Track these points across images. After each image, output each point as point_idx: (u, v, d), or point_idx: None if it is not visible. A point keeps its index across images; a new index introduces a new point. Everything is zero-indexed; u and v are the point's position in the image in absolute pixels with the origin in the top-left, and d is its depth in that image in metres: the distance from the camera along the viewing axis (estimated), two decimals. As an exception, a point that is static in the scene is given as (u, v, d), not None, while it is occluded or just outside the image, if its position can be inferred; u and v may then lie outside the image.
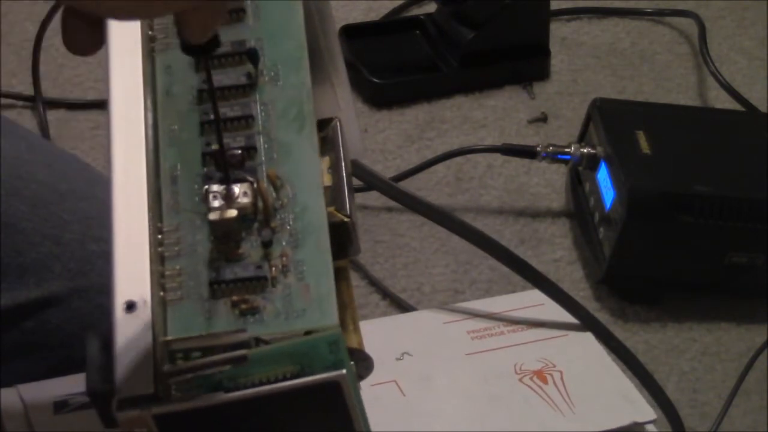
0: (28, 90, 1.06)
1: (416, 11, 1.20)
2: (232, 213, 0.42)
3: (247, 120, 0.44)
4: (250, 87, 0.45)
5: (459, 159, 1.02)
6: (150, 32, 0.46)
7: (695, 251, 0.91)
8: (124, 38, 0.46)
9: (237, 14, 0.46)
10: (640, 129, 0.94)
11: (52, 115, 1.05)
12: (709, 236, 0.90)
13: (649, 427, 0.63)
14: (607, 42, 1.20)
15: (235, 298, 0.41)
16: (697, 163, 0.92)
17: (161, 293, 0.41)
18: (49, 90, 1.06)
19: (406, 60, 1.14)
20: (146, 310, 0.40)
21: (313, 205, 0.43)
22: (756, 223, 0.89)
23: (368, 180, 0.77)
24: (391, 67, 1.12)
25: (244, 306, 0.41)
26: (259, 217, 0.43)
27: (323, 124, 0.51)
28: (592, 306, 0.92)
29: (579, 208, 0.98)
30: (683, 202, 0.89)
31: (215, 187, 0.43)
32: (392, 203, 0.99)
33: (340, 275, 0.53)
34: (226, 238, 0.42)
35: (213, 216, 0.42)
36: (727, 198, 0.89)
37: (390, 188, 0.78)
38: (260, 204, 0.43)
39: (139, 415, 0.39)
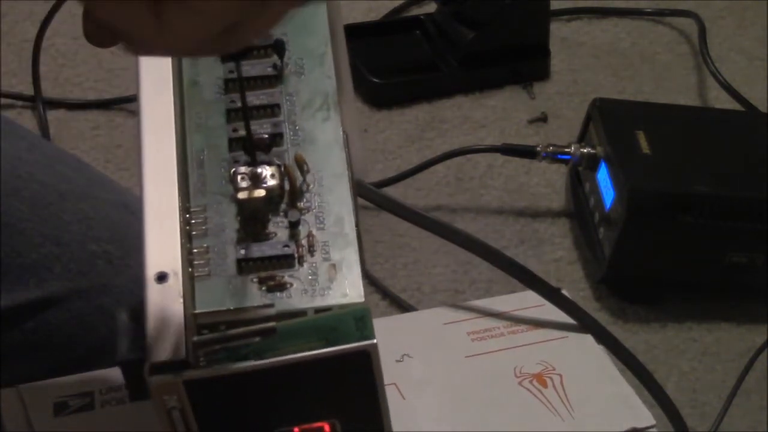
0: (28, 90, 1.06)
1: (416, 11, 1.20)
2: (261, 192, 0.43)
3: (273, 109, 0.45)
4: (276, 78, 0.46)
5: (459, 159, 1.02)
6: None
7: (695, 251, 0.91)
8: None
9: None
10: (640, 129, 0.94)
11: (52, 115, 1.05)
12: (709, 236, 0.90)
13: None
14: (607, 42, 1.20)
15: (262, 274, 0.42)
16: (697, 163, 0.92)
17: (189, 269, 0.42)
18: (49, 90, 1.06)
19: (406, 60, 1.14)
20: (177, 280, 0.41)
21: (339, 189, 0.44)
22: (756, 223, 0.90)
23: (373, 200, 0.78)
24: (391, 67, 1.12)
25: (271, 283, 0.41)
26: (286, 199, 0.43)
27: None
28: (592, 306, 0.92)
29: (579, 208, 0.98)
30: (683, 202, 0.89)
31: (243, 169, 0.43)
32: (392, 203, 0.99)
33: None
34: (253, 218, 0.43)
35: (242, 195, 0.42)
36: (727, 198, 0.89)
37: (395, 206, 0.78)
38: (287, 187, 0.43)
39: (171, 380, 0.40)
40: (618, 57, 1.18)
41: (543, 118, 1.10)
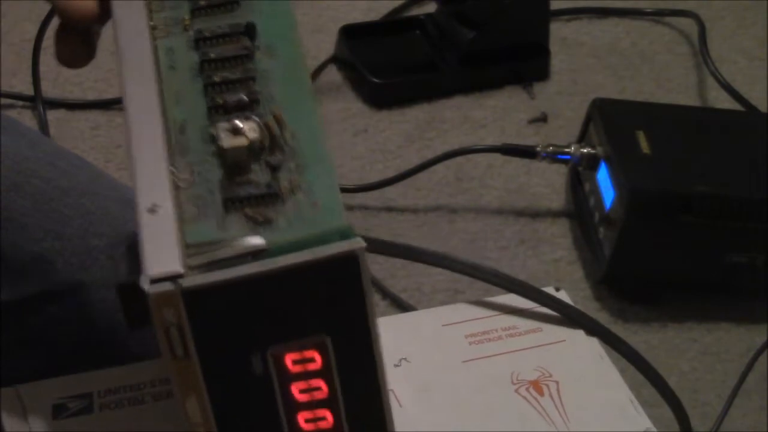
0: (28, 90, 1.06)
1: (416, 11, 1.20)
2: (243, 141, 0.44)
3: (248, 82, 0.47)
4: (248, 57, 0.47)
5: (459, 159, 1.02)
6: (150, 23, 0.49)
7: (695, 251, 0.91)
8: (132, 21, 0.50)
9: (231, 6, 0.50)
10: (640, 129, 0.94)
11: (52, 115, 1.05)
12: (709, 236, 0.90)
13: None
14: (607, 42, 1.20)
15: (248, 212, 0.43)
16: (697, 163, 0.92)
17: (179, 210, 0.43)
18: (49, 90, 1.06)
19: (406, 60, 1.14)
20: (168, 211, 0.42)
21: (317, 139, 0.45)
22: (756, 223, 0.90)
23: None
24: (391, 67, 1.12)
25: (258, 218, 0.43)
26: (267, 152, 0.45)
27: None
28: (592, 306, 0.92)
29: (579, 208, 0.98)
30: (683, 201, 0.89)
31: (224, 125, 0.45)
32: (392, 203, 0.99)
33: None
34: (236, 167, 0.44)
35: (225, 143, 0.44)
36: (727, 198, 0.89)
37: (387, 246, 0.81)
38: (267, 142, 0.45)
39: (170, 291, 0.40)
40: (618, 57, 1.18)
41: (543, 118, 1.10)
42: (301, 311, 0.42)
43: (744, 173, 0.92)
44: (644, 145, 0.92)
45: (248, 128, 0.44)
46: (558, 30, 1.19)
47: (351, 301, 0.43)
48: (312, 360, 0.44)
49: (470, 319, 0.68)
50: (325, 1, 1.20)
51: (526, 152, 0.98)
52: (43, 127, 1.03)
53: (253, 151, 0.44)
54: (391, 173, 1.00)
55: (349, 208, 0.98)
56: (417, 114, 1.08)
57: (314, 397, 0.44)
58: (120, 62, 0.48)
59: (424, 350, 0.65)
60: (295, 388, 0.44)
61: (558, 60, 1.16)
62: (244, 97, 0.46)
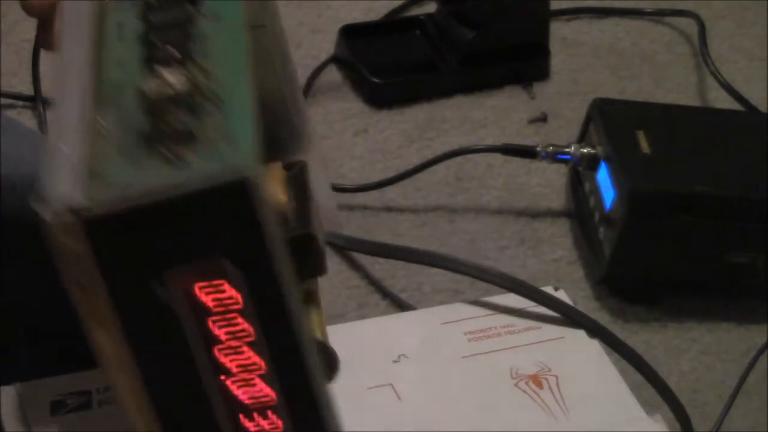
0: (28, 90, 1.06)
1: (416, 11, 1.20)
2: (167, 90, 0.45)
3: (185, 42, 0.48)
4: (189, 22, 0.49)
5: (459, 159, 1.02)
6: None
7: (695, 251, 0.91)
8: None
9: None
10: (640, 129, 0.94)
11: (52, 116, 1.05)
12: (709, 236, 0.90)
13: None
14: (607, 42, 1.20)
15: (163, 150, 0.44)
16: (697, 163, 0.92)
17: (95, 151, 0.44)
18: (49, 90, 1.06)
19: (406, 60, 1.14)
20: (81, 149, 0.43)
21: (244, 91, 0.47)
22: (756, 223, 0.89)
23: (345, 246, 0.81)
24: (391, 67, 1.12)
25: (170, 156, 0.44)
26: (193, 101, 0.46)
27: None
28: (592, 306, 0.92)
29: (579, 208, 0.98)
30: (683, 202, 0.89)
31: (152, 77, 0.46)
32: (392, 203, 0.99)
33: (310, 300, 0.56)
34: (160, 115, 0.45)
35: (149, 92, 0.45)
36: (727, 198, 0.89)
37: (367, 246, 0.81)
38: (193, 92, 0.46)
39: (72, 220, 0.41)
40: (618, 57, 1.18)
41: (543, 118, 1.10)
42: (200, 238, 0.43)
43: (744, 173, 0.92)
44: (644, 145, 0.92)
45: (174, 79, 0.45)
46: (558, 30, 1.19)
47: (248, 227, 0.43)
48: (222, 290, 0.44)
49: (469, 317, 0.69)
50: (325, 1, 1.20)
51: (526, 152, 0.97)
52: (43, 127, 1.03)
53: (178, 100, 0.45)
54: (391, 173, 1.00)
55: (350, 208, 0.98)
56: (417, 114, 1.08)
57: (231, 331, 0.45)
58: (62, 30, 0.50)
59: (423, 347, 0.66)
60: (211, 322, 0.45)
61: (558, 60, 1.16)
62: (177, 54, 0.47)
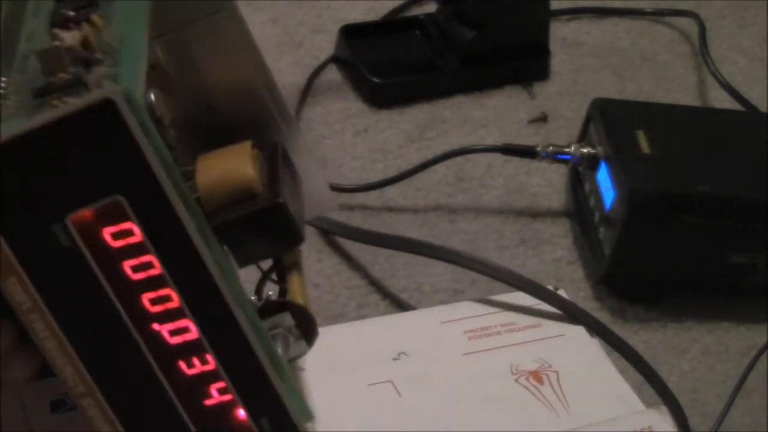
0: None
1: (416, 11, 1.20)
2: (60, 45, 0.46)
3: (90, 6, 0.50)
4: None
5: (459, 159, 1.02)
6: None
7: (695, 251, 0.91)
8: None
9: None
10: (640, 129, 0.94)
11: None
12: (709, 236, 0.90)
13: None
14: (607, 42, 1.20)
15: (55, 102, 0.45)
16: (697, 163, 0.92)
17: None
18: None
19: (406, 60, 1.14)
20: None
21: (137, 44, 0.49)
22: (756, 223, 0.89)
23: (339, 232, 0.82)
24: (391, 67, 1.11)
25: (59, 103, 0.45)
26: (88, 56, 0.47)
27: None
28: (592, 306, 0.92)
29: (579, 208, 0.98)
30: (683, 202, 0.88)
31: (48, 37, 0.48)
32: (392, 203, 0.99)
33: (292, 268, 0.56)
34: (55, 70, 0.46)
35: (40, 47, 0.46)
36: (727, 198, 0.89)
37: (360, 234, 0.82)
38: (89, 46, 0.48)
39: None
40: (618, 57, 1.18)
41: (543, 118, 1.10)
42: (81, 171, 0.44)
43: (744, 173, 0.92)
44: (644, 145, 0.92)
45: (68, 36, 0.47)
46: (558, 30, 1.19)
47: (127, 152, 0.44)
48: (130, 233, 0.44)
49: (469, 316, 0.69)
50: (325, 1, 1.20)
51: (526, 152, 0.97)
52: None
53: (70, 54, 0.46)
54: (391, 173, 1.00)
55: (349, 208, 0.98)
56: (417, 114, 1.08)
57: (149, 275, 0.45)
58: None
59: (423, 345, 0.66)
60: (127, 266, 0.45)
61: (558, 60, 1.16)
62: (71, 14, 0.49)
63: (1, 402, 0.56)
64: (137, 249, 0.45)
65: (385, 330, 0.68)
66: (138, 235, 0.45)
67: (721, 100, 1.12)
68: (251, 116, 0.60)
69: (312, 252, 0.93)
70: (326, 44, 1.15)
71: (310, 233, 0.91)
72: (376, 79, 1.09)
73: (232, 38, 0.58)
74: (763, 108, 1.10)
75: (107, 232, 0.44)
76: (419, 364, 0.64)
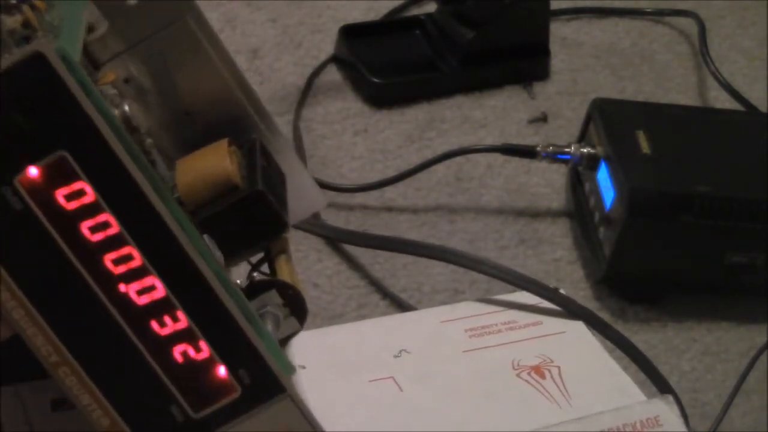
0: None
1: (416, 11, 1.20)
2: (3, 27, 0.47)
3: None
4: None
5: (459, 159, 1.02)
6: None
7: (695, 251, 0.91)
8: None
9: None
10: (640, 129, 0.94)
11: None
12: (709, 236, 0.90)
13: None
14: (607, 42, 1.20)
15: None
16: (697, 163, 0.92)
17: None
18: None
19: (406, 60, 1.14)
20: None
21: (75, 21, 0.49)
22: (756, 223, 0.89)
23: (327, 235, 0.83)
24: (391, 67, 1.11)
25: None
26: (24, 31, 0.48)
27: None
28: (592, 306, 0.92)
29: (579, 208, 0.98)
30: (683, 202, 0.88)
31: None
32: (392, 203, 0.99)
33: (280, 252, 0.57)
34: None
35: None
36: (727, 198, 0.89)
37: (350, 236, 0.82)
38: (30, 25, 0.49)
39: None
40: (618, 57, 1.18)
41: (543, 118, 1.10)
42: (22, 130, 0.44)
43: (744, 173, 0.92)
44: (644, 145, 0.92)
45: (11, 20, 0.48)
46: (558, 30, 1.19)
47: (67, 108, 0.43)
48: (83, 192, 0.45)
49: (470, 315, 0.69)
50: (325, 1, 1.20)
51: (526, 152, 0.97)
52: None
53: (12, 35, 0.48)
54: (391, 173, 1.00)
55: (349, 208, 0.98)
56: (417, 114, 1.08)
57: (107, 235, 0.45)
58: None
59: (424, 343, 0.66)
60: (84, 227, 0.45)
61: (558, 60, 1.16)
62: (14, 1, 0.49)
63: (1, 402, 0.56)
64: (92, 209, 0.44)
65: (386, 329, 0.68)
66: (91, 195, 0.44)
67: (721, 100, 1.12)
68: (230, 119, 0.60)
69: (312, 252, 0.93)
70: (326, 44, 1.15)
71: (310, 233, 0.91)
72: (375, 79, 1.09)
73: (200, 42, 0.59)
74: (763, 108, 1.10)
75: (60, 194, 0.44)
76: (420, 360, 0.64)
